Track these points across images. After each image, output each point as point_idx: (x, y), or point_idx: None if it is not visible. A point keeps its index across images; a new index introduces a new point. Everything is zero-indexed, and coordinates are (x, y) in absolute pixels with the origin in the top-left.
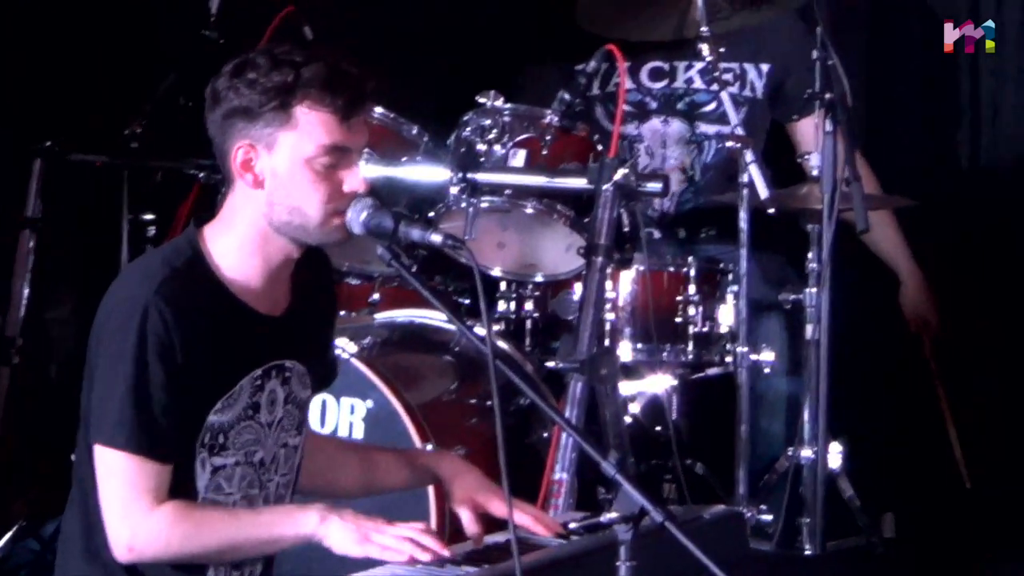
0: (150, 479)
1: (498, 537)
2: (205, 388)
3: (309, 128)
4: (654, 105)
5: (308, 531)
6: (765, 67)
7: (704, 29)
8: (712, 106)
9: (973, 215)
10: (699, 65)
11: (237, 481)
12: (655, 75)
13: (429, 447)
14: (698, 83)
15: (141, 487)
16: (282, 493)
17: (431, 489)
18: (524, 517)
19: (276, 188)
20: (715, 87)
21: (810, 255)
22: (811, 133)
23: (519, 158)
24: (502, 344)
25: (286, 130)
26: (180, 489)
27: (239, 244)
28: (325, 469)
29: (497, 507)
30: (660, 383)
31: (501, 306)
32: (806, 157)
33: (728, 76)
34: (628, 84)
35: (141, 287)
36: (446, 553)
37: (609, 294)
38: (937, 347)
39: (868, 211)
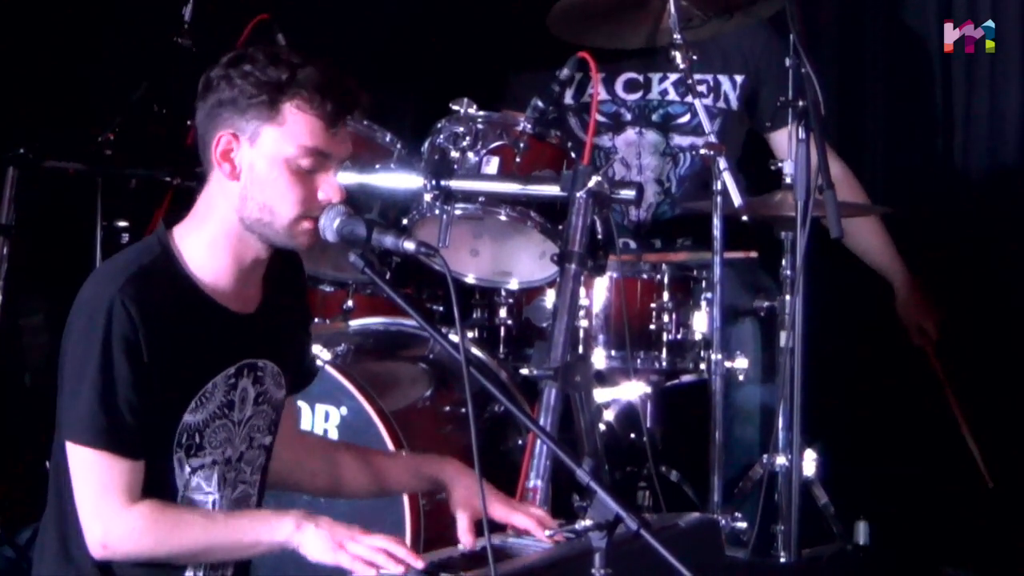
0: (122, 476)
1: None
2: (176, 386)
3: (295, 127)
4: (628, 116)
5: (283, 537)
6: (739, 78)
7: (677, 36)
8: (687, 118)
9: (946, 222)
10: (674, 77)
11: (216, 481)
12: (630, 87)
13: (403, 454)
14: (672, 95)
15: (113, 484)
16: (250, 492)
17: (406, 497)
18: (528, 520)
19: (252, 182)
20: (689, 98)
21: (784, 262)
22: (786, 142)
23: (492, 165)
24: (476, 351)
25: (272, 125)
26: (158, 489)
27: (210, 240)
28: (328, 471)
29: (499, 511)
30: (634, 390)
31: (475, 313)
32: (780, 164)
33: (702, 87)
34: (603, 95)
35: (107, 285)
36: (419, 565)
37: (583, 301)
38: (941, 354)
39: (853, 218)
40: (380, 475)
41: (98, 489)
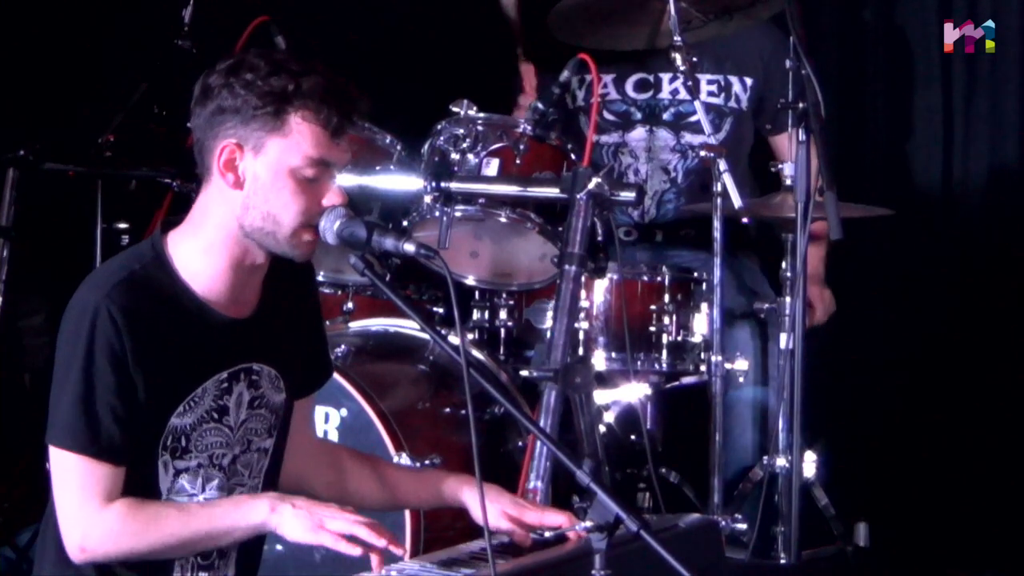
0: (101, 481)
1: (473, 546)
2: (164, 392)
3: (300, 138)
4: (638, 116)
5: (259, 520)
6: (749, 80)
7: (677, 39)
8: (697, 116)
9: (946, 222)
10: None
11: (201, 483)
12: (640, 87)
13: (404, 456)
14: (683, 94)
15: (91, 488)
16: None
17: None
18: (560, 517)
19: (255, 191)
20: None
21: (784, 264)
22: (787, 144)
23: (493, 167)
24: (476, 353)
25: (276, 136)
26: (143, 491)
27: (207, 246)
28: (339, 481)
29: (530, 516)
30: (634, 392)
31: (475, 315)
32: (780, 167)
33: (712, 87)
34: (614, 95)
35: (95, 292)
36: (399, 552)
37: (583, 303)
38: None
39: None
40: (393, 489)
41: (77, 493)
